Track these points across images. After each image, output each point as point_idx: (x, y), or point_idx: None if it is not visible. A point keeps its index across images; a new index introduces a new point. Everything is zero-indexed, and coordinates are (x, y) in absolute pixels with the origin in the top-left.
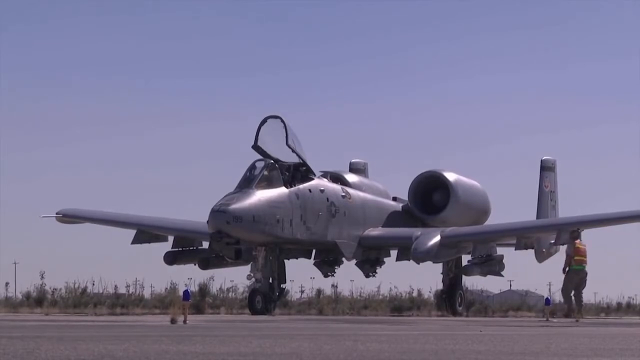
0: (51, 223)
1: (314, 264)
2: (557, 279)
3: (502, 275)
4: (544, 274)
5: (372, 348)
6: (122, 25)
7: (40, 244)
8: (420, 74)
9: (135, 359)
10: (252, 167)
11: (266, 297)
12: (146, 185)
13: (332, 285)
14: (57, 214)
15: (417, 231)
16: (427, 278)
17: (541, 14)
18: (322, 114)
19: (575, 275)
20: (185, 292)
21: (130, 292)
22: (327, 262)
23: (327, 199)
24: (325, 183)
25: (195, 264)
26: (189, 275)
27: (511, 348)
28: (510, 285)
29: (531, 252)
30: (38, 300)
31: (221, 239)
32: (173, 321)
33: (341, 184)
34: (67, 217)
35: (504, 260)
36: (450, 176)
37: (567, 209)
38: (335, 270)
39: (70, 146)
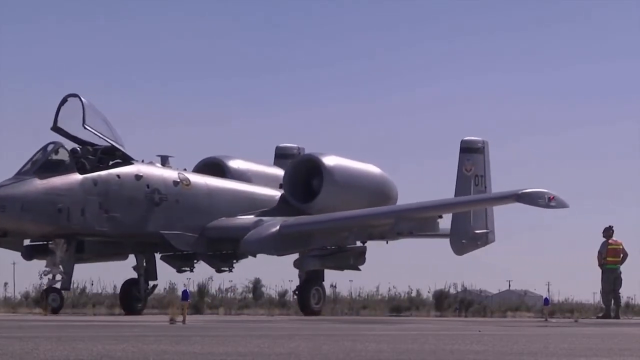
0: None
1: (161, 258)
2: (557, 279)
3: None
4: (543, 274)
5: (370, 348)
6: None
7: None
8: (397, 76)
9: (134, 359)
10: (42, 150)
11: (63, 295)
12: None
13: (331, 286)
14: None
15: (260, 221)
16: (427, 278)
17: (526, 15)
18: (308, 112)
19: (610, 275)
20: (184, 292)
21: None
22: (180, 257)
23: (148, 186)
24: (147, 169)
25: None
26: (187, 276)
27: (510, 348)
28: (509, 285)
29: (529, 250)
30: (37, 300)
31: None
32: (172, 321)
33: (219, 170)
34: None
35: (365, 254)
36: (328, 160)
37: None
38: (195, 265)
39: None
